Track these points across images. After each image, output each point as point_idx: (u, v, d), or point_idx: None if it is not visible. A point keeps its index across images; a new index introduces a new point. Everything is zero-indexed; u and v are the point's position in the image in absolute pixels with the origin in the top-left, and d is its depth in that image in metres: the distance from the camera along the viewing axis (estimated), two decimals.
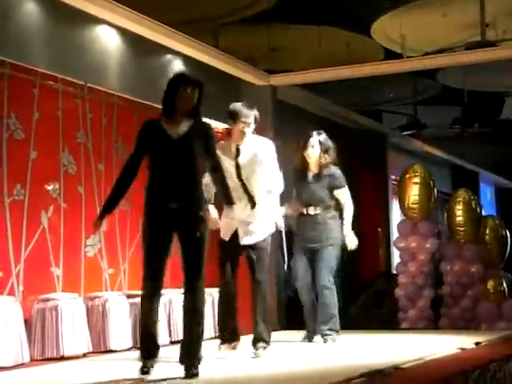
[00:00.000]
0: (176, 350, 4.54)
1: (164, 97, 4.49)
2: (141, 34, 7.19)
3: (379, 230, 12.23)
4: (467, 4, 8.96)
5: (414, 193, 9.20)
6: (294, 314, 7.76)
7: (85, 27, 6.80)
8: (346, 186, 6.39)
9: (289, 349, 6.04)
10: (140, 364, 4.40)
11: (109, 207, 4.46)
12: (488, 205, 16.44)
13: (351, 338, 6.69)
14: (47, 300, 5.81)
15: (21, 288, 5.78)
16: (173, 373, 4.42)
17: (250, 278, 5.43)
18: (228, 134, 5.56)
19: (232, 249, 5.41)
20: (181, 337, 6.67)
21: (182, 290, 4.51)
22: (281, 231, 6.34)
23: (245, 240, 5.36)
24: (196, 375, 4.30)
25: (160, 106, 4.60)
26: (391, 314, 9.18)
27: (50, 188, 6.17)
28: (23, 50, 6.08)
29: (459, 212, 9.20)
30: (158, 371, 4.43)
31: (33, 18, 6.23)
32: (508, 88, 12.06)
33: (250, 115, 5.40)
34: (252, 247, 5.38)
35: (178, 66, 7.91)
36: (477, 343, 5.96)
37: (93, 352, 6.00)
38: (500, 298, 8.87)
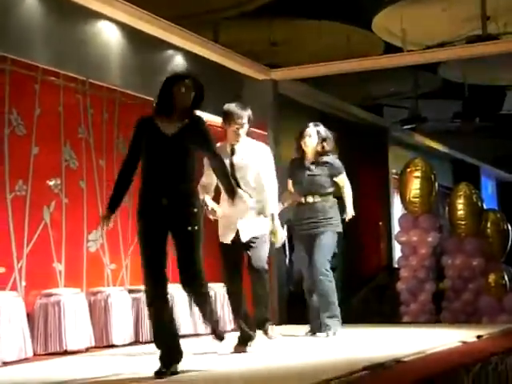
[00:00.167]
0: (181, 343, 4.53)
1: (159, 95, 4.47)
2: (142, 29, 7.20)
3: (380, 224, 12.24)
4: None
5: (415, 187, 9.21)
6: (296, 309, 7.79)
7: (86, 23, 6.80)
8: (345, 173, 6.42)
9: (291, 343, 6.05)
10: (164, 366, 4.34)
11: (113, 206, 4.44)
12: (489, 198, 16.43)
13: (353, 331, 6.70)
14: (50, 295, 5.83)
15: (23, 283, 5.80)
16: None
17: (248, 268, 5.41)
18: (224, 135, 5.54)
19: (233, 250, 5.39)
20: (183, 331, 6.75)
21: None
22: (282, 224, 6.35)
23: (244, 236, 5.35)
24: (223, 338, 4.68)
25: None
26: (393, 308, 9.20)
27: (51, 183, 6.18)
28: (24, 46, 6.08)
29: (460, 206, 9.21)
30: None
31: (34, 14, 6.23)
32: (509, 82, 12.05)
33: (244, 116, 5.35)
34: (251, 241, 5.37)
35: (179, 60, 7.92)
36: (478, 336, 5.97)
37: (95, 347, 6.02)
38: (501, 291, 8.88)
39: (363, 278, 11.11)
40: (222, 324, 4.75)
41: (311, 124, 6.42)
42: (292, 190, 6.47)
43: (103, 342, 6.14)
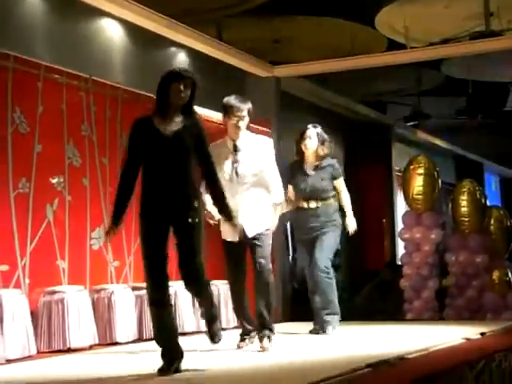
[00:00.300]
0: (182, 341, 4.54)
1: (156, 93, 4.43)
2: (145, 27, 7.19)
3: (384, 221, 12.23)
4: None
5: (418, 184, 9.21)
6: (300, 306, 7.79)
7: (88, 20, 6.80)
8: (342, 178, 6.44)
9: (294, 340, 6.05)
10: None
11: (116, 219, 4.39)
12: (493, 195, 16.41)
13: (356, 328, 6.71)
14: (53, 293, 5.84)
15: (27, 281, 5.81)
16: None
17: (253, 266, 5.38)
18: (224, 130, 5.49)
19: (237, 247, 5.37)
20: (186, 328, 6.75)
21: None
22: (285, 223, 6.35)
23: (250, 232, 5.31)
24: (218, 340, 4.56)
25: None
26: (396, 305, 9.20)
27: (54, 181, 6.18)
28: (27, 44, 6.09)
29: (464, 202, 9.20)
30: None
31: (36, 12, 6.23)
32: None
33: (244, 108, 5.29)
34: (254, 238, 5.33)
35: (182, 58, 7.92)
36: (482, 333, 5.97)
37: (99, 344, 6.03)
38: (505, 288, 8.87)
39: (367, 276, 11.11)
40: (218, 326, 4.62)
41: (310, 126, 6.41)
42: (292, 196, 6.42)
43: (107, 340, 6.15)
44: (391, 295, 9.62)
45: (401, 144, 12.95)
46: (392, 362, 4.40)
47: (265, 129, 7.96)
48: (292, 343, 5.85)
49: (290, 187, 6.42)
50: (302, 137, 6.38)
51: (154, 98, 4.46)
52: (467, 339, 5.65)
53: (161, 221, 4.36)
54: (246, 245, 5.38)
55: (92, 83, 6.58)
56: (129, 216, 6.60)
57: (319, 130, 6.40)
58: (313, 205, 6.30)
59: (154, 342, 4.47)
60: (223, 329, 7.05)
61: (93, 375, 4.46)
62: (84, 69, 6.50)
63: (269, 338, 5.31)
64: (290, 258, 9.55)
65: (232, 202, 5.11)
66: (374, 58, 8.99)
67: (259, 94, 8.24)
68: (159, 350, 4.38)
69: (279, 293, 8.35)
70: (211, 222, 5.24)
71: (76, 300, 5.88)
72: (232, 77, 8.46)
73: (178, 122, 4.39)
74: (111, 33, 7.04)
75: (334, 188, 6.37)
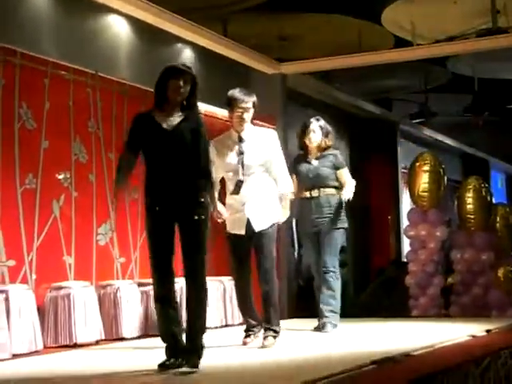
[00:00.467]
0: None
1: (155, 88, 4.44)
2: (151, 23, 7.19)
3: (389, 218, 12.23)
4: None
5: (423, 181, 9.19)
6: (305, 303, 7.79)
7: (95, 16, 6.81)
8: (347, 169, 6.40)
9: (300, 337, 6.06)
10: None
11: (119, 183, 4.39)
12: (499, 192, 16.38)
13: (362, 325, 6.72)
14: (60, 288, 5.86)
15: (33, 276, 5.83)
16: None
17: (256, 265, 5.36)
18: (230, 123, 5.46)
19: (242, 241, 5.34)
20: None
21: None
22: (291, 219, 6.34)
23: (257, 226, 5.27)
24: (195, 367, 4.20)
25: None
26: (401, 302, 9.19)
27: (61, 177, 6.20)
28: (34, 40, 6.10)
29: (470, 200, 9.18)
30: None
31: (43, 8, 6.25)
32: None
33: (248, 101, 5.28)
34: (259, 234, 5.30)
35: (187, 54, 7.93)
36: (487, 331, 5.97)
37: (105, 340, 6.05)
38: (510, 285, 8.86)
39: (372, 272, 11.11)
40: (200, 340, 4.35)
41: (313, 119, 6.41)
42: (295, 187, 6.41)
43: (112, 335, 6.17)
44: (396, 292, 9.62)
45: (406, 141, 12.94)
46: (397, 358, 4.41)
47: (270, 125, 7.96)
48: (297, 340, 5.86)
49: (294, 177, 6.42)
50: (305, 131, 6.38)
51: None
52: (472, 336, 5.65)
53: (166, 216, 4.36)
54: (251, 239, 5.33)
55: (99, 79, 6.59)
56: (134, 212, 6.68)
57: (322, 122, 6.39)
58: (315, 193, 6.29)
59: (159, 337, 4.48)
60: (227, 325, 7.13)
61: (99, 370, 4.48)
62: (91, 65, 6.52)
63: (274, 337, 5.31)
64: (296, 254, 9.54)
65: (237, 196, 5.15)
66: (380, 55, 8.98)
67: (265, 91, 8.22)
68: (164, 345, 4.39)
69: (285, 289, 8.36)
70: (219, 220, 5.23)
71: (82, 296, 5.90)
72: (238, 73, 8.46)
73: (178, 117, 4.40)
74: (118, 29, 7.05)
75: (337, 179, 6.34)
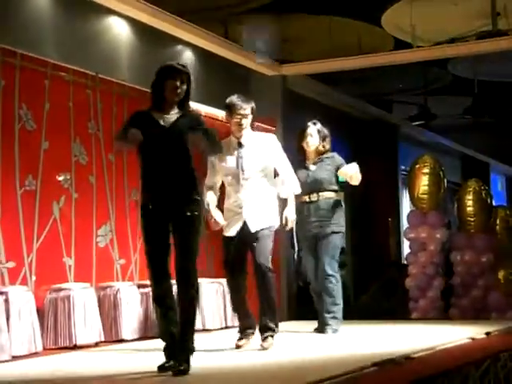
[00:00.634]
0: None
1: (152, 89, 4.44)
2: (151, 25, 7.20)
3: (389, 220, 12.23)
4: None
5: (423, 183, 9.20)
6: (305, 305, 7.79)
7: (95, 18, 6.81)
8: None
9: (300, 339, 6.06)
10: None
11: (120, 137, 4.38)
12: (498, 195, 16.39)
13: (362, 327, 6.71)
14: (59, 290, 5.85)
15: (33, 278, 5.82)
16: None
17: (253, 264, 5.32)
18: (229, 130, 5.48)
19: (237, 243, 5.31)
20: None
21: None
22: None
23: (253, 226, 5.26)
24: (186, 370, 4.16)
25: None
26: (401, 305, 9.19)
27: (61, 178, 6.20)
28: (34, 41, 6.10)
29: (470, 202, 9.19)
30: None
31: (43, 9, 6.25)
32: None
33: (247, 107, 5.31)
34: (255, 234, 5.27)
35: (188, 56, 7.93)
36: (487, 333, 5.96)
37: (104, 341, 6.04)
38: (510, 287, 8.86)
39: (372, 275, 11.11)
40: (191, 344, 4.31)
41: (310, 123, 6.41)
42: None
43: (112, 337, 6.16)
44: (396, 294, 9.63)
45: (406, 143, 12.94)
46: (398, 360, 4.40)
47: (271, 127, 7.96)
48: (297, 342, 5.85)
49: None
50: (302, 135, 6.39)
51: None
52: (472, 339, 5.64)
53: (159, 214, 4.34)
54: (247, 241, 5.30)
55: (99, 81, 6.59)
56: (134, 214, 6.67)
57: (319, 126, 6.40)
58: (314, 197, 6.30)
59: (159, 339, 4.48)
60: (227, 327, 7.12)
61: (98, 372, 4.48)
62: (91, 66, 6.52)
63: (271, 337, 5.29)
64: (295, 255, 9.53)
65: (236, 198, 5.15)
66: (380, 57, 8.99)
67: (266, 93, 8.26)
68: (163, 345, 4.39)
69: (284, 291, 8.35)
70: (216, 228, 5.22)
71: (82, 297, 5.90)
72: (238, 75, 8.46)
73: (174, 115, 4.41)
74: (118, 31, 7.05)
75: (337, 182, 6.33)
